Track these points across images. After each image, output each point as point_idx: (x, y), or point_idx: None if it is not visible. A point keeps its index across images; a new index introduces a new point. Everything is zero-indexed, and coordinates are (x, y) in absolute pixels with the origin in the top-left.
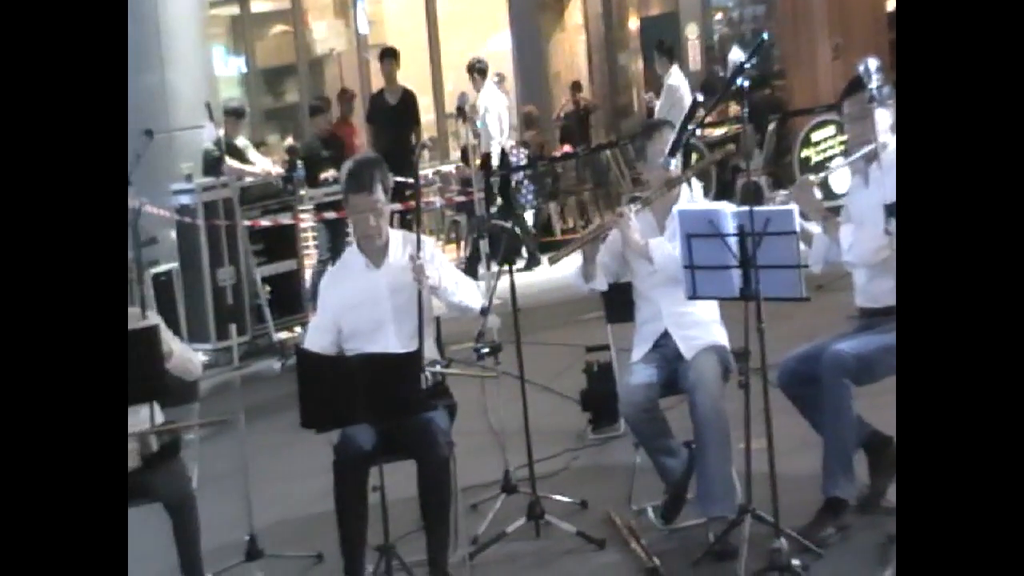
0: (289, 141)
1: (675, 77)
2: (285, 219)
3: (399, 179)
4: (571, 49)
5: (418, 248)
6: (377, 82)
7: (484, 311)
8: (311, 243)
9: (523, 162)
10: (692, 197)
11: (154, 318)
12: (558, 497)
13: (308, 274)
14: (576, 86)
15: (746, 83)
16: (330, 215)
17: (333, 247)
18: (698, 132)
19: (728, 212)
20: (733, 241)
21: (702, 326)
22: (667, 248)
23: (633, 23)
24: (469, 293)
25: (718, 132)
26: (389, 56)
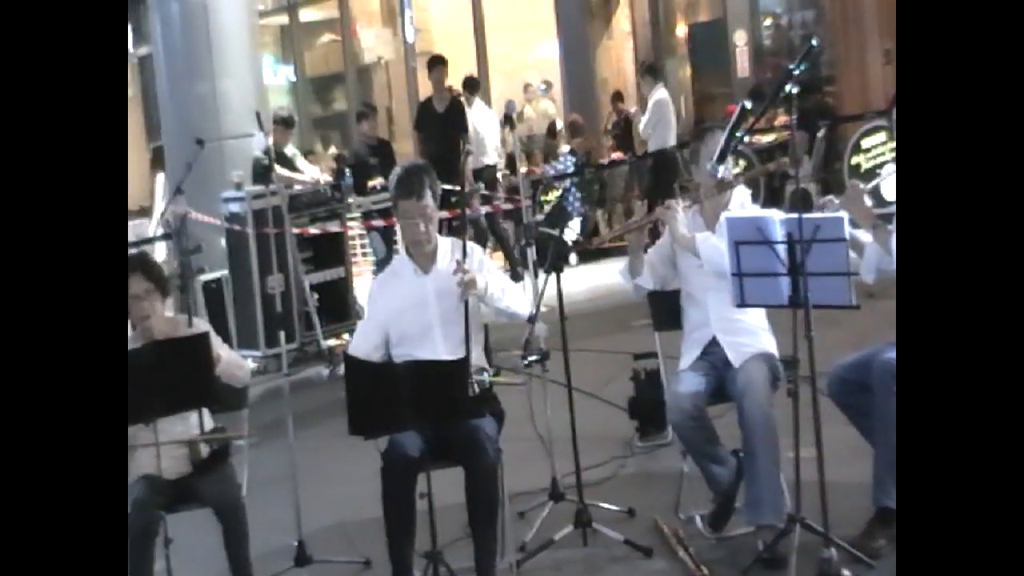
0: (333, 149)
1: (660, 94)
2: (333, 227)
3: (447, 187)
4: (618, 56)
5: (464, 255)
6: (424, 90)
7: (531, 319)
8: (359, 251)
9: (570, 169)
10: (743, 204)
11: (203, 325)
12: (605, 505)
13: (356, 282)
14: (617, 96)
15: (795, 89)
16: (378, 223)
17: (388, 253)
18: (746, 139)
19: (777, 219)
20: (782, 248)
21: (751, 333)
22: (713, 241)
23: (681, 30)
24: (517, 299)
25: (767, 139)
26: (438, 64)
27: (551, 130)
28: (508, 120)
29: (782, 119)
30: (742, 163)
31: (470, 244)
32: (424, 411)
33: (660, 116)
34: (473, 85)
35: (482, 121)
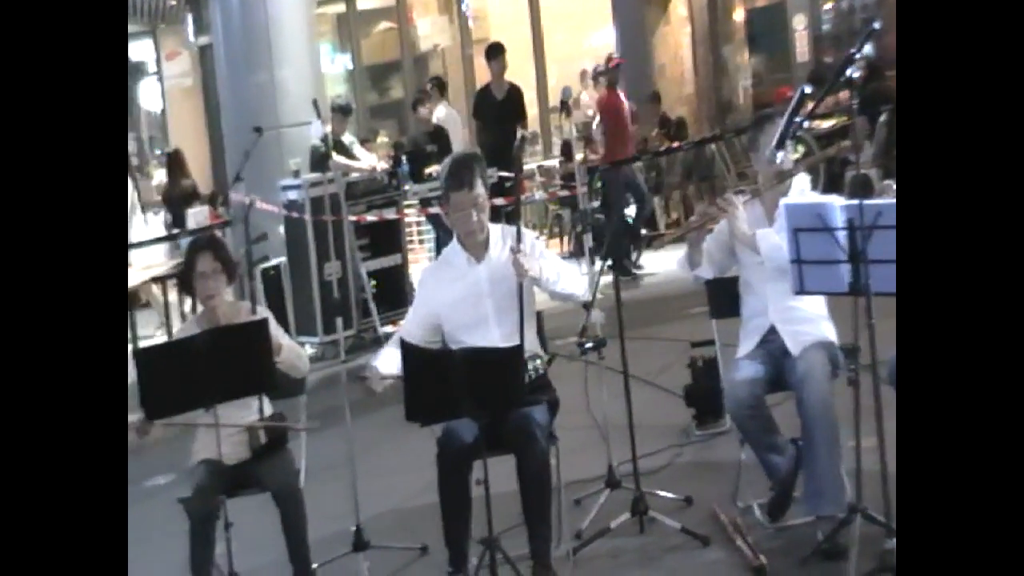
0: (385, 137)
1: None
2: (390, 214)
3: (503, 174)
4: (676, 42)
5: (518, 240)
6: (480, 77)
7: (588, 306)
8: (415, 238)
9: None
10: (803, 190)
11: (263, 312)
12: (662, 493)
13: (412, 269)
14: (655, 96)
15: (856, 73)
16: (435, 210)
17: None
18: (806, 124)
19: (837, 205)
20: (842, 235)
21: (810, 321)
22: (774, 239)
23: (739, 15)
24: (572, 281)
25: (827, 124)
26: (496, 51)
27: (566, 150)
28: (564, 106)
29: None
30: (801, 149)
31: (524, 229)
32: (479, 398)
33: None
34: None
35: (448, 121)
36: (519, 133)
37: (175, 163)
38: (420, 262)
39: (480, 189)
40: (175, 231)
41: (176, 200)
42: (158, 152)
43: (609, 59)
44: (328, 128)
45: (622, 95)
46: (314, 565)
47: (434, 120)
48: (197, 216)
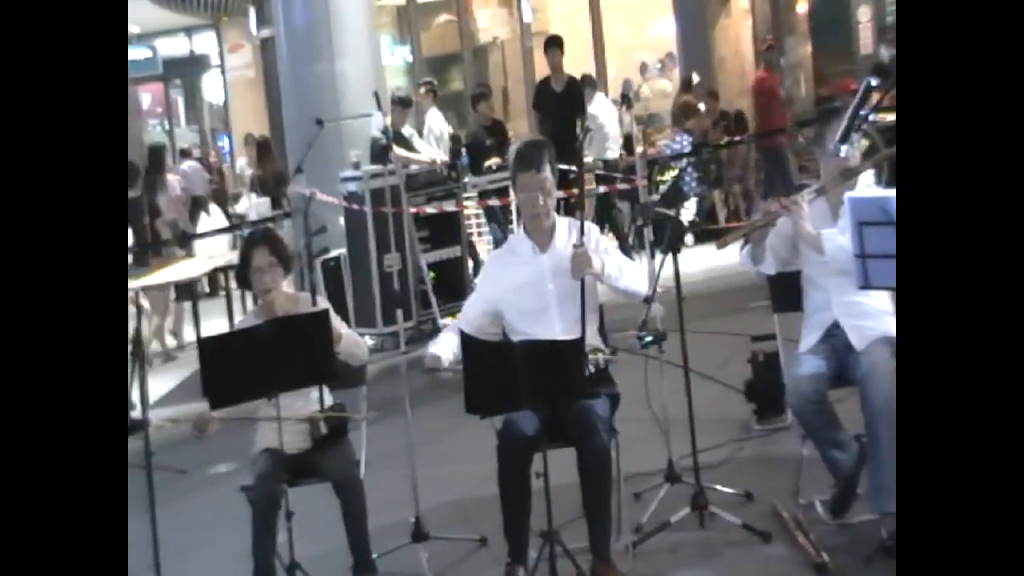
0: (451, 129)
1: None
2: (449, 206)
3: (563, 167)
4: (737, 34)
5: (581, 233)
6: (540, 70)
7: (648, 299)
8: (474, 230)
9: (687, 149)
10: (868, 184)
11: (324, 303)
12: (722, 488)
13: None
14: (712, 95)
15: None
16: (494, 202)
17: (504, 237)
18: (871, 117)
19: None
20: None
21: (874, 316)
22: (840, 240)
23: (802, 6)
24: (635, 278)
25: (892, 117)
26: (554, 45)
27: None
28: (625, 100)
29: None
30: (865, 143)
31: (587, 223)
32: (540, 391)
33: (595, 127)
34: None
35: (604, 113)
36: (584, 124)
37: (264, 150)
38: (481, 254)
39: (547, 173)
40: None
41: (270, 184)
42: (220, 143)
43: (764, 41)
44: (388, 120)
45: (776, 77)
46: (373, 555)
47: (427, 123)
48: (259, 207)
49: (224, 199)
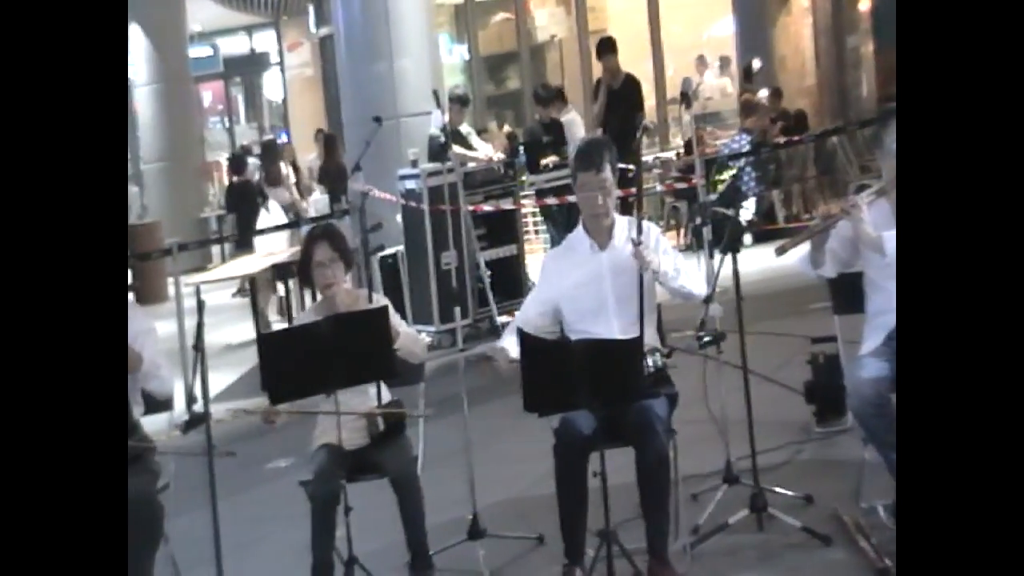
0: (506, 127)
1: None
2: (507, 204)
3: (621, 166)
4: (797, 32)
5: (639, 231)
6: (597, 68)
7: (707, 299)
8: (531, 228)
9: (746, 148)
10: None
11: (382, 300)
12: (781, 490)
13: (528, 259)
14: (776, 93)
15: None
16: (552, 200)
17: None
18: None
19: None
20: None
21: None
22: None
23: (864, 4)
24: (692, 279)
25: None
26: (607, 49)
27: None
28: (684, 98)
29: None
30: None
31: (645, 222)
32: (597, 390)
33: (571, 137)
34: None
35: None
36: (641, 122)
37: (330, 144)
38: (536, 253)
39: (608, 173)
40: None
41: (333, 178)
42: (281, 140)
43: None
44: (446, 118)
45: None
46: (431, 551)
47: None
48: (317, 204)
49: (302, 192)
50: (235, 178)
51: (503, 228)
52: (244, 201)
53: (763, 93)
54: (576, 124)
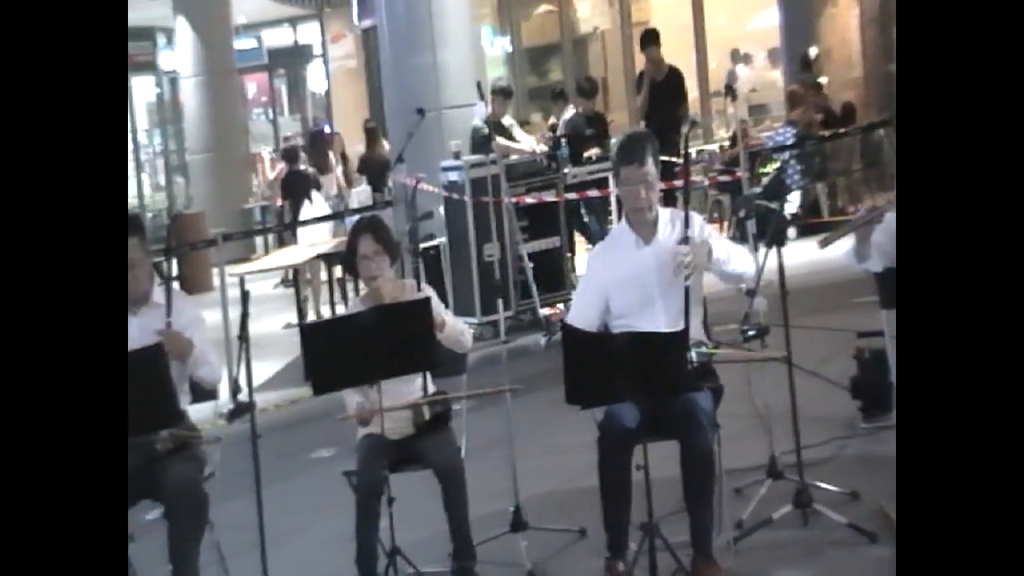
0: (552, 120)
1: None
2: (549, 197)
3: (664, 159)
4: (844, 24)
5: (686, 226)
6: (641, 60)
7: (751, 293)
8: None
9: (790, 141)
10: None
11: (427, 290)
12: (826, 486)
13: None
14: (818, 87)
15: None
16: (593, 193)
17: (602, 231)
18: None
19: None
20: None
21: None
22: None
23: None
24: (743, 261)
25: None
26: (651, 41)
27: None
28: (729, 91)
29: None
30: None
31: (692, 214)
32: (642, 383)
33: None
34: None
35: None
36: (688, 116)
37: (371, 136)
38: (578, 245)
39: (650, 167)
40: (365, 204)
41: (374, 169)
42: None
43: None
44: (489, 110)
45: None
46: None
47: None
48: (360, 195)
49: (350, 182)
50: (289, 168)
51: (545, 221)
52: (298, 191)
53: (823, 80)
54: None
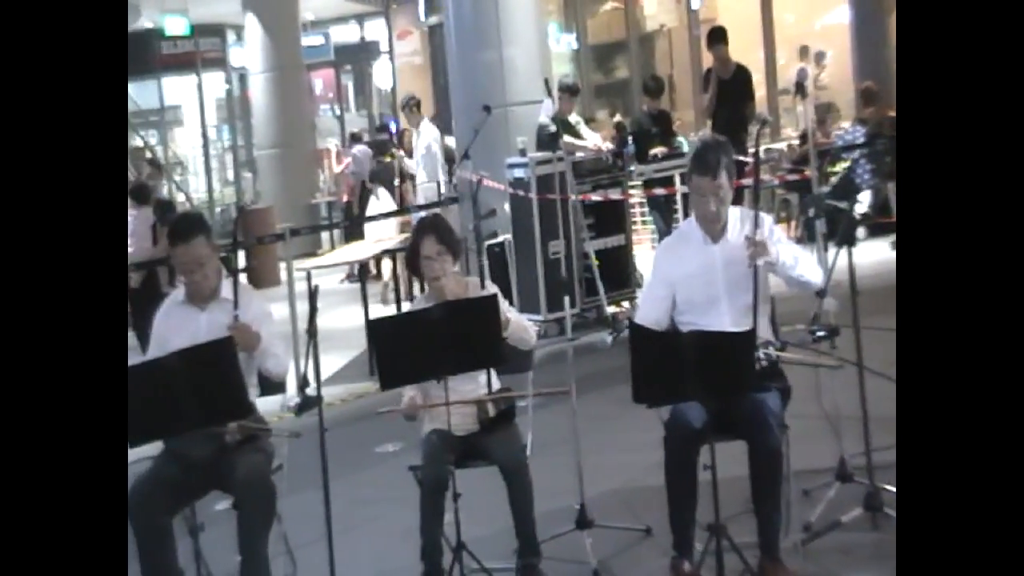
0: (618, 117)
1: (424, 133)
2: (615, 194)
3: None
4: None
5: (755, 226)
6: (708, 58)
7: (821, 293)
8: (639, 219)
9: (860, 140)
10: None
11: (493, 288)
12: None
13: (635, 250)
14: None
15: None
16: (659, 191)
17: (668, 229)
18: None
19: None
20: None
21: None
22: None
23: None
24: (809, 267)
25: None
26: (718, 38)
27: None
28: (800, 88)
29: None
30: None
31: (761, 214)
32: (709, 383)
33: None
34: (417, 104)
35: (430, 137)
36: (758, 114)
37: (382, 145)
38: (643, 243)
39: (723, 179)
40: (406, 207)
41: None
42: (389, 128)
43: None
44: (556, 107)
45: None
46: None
47: (416, 135)
48: (426, 192)
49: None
50: (378, 160)
51: (611, 218)
52: (385, 183)
53: None
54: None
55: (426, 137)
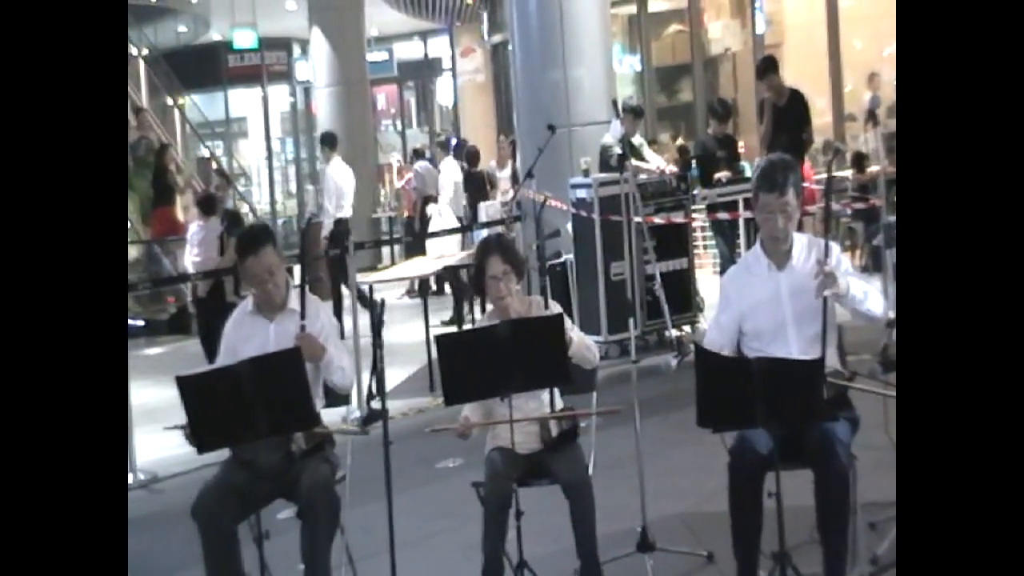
0: (680, 140)
1: (333, 167)
2: (678, 217)
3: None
4: None
5: (825, 254)
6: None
7: (891, 324)
8: (701, 243)
9: None
10: None
11: (556, 308)
12: None
13: (698, 274)
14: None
15: None
16: (723, 215)
17: (731, 255)
18: None
19: None
20: None
21: None
22: None
23: None
24: (875, 301)
25: None
26: (769, 68)
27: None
28: (872, 116)
29: None
30: None
31: (831, 243)
32: (776, 410)
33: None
34: (331, 141)
35: (339, 173)
36: (833, 144)
37: (472, 156)
38: (706, 267)
39: (791, 196)
40: (470, 223)
41: (472, 189)
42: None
43: None
44: (622, 129)
45: None
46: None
47: (328, 172)
48: (488, 209)
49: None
50: (468, 170)
51: (673, 241)
52: (477, 190)
53: None
54: (338, 174)
55: (450, 174)
